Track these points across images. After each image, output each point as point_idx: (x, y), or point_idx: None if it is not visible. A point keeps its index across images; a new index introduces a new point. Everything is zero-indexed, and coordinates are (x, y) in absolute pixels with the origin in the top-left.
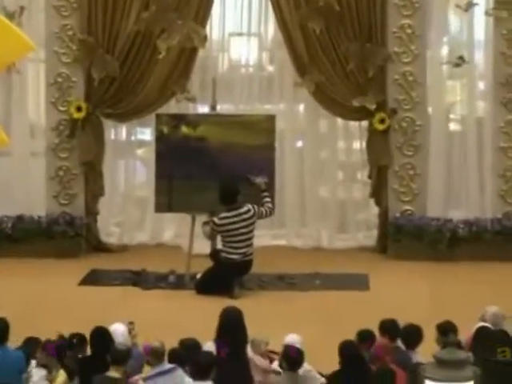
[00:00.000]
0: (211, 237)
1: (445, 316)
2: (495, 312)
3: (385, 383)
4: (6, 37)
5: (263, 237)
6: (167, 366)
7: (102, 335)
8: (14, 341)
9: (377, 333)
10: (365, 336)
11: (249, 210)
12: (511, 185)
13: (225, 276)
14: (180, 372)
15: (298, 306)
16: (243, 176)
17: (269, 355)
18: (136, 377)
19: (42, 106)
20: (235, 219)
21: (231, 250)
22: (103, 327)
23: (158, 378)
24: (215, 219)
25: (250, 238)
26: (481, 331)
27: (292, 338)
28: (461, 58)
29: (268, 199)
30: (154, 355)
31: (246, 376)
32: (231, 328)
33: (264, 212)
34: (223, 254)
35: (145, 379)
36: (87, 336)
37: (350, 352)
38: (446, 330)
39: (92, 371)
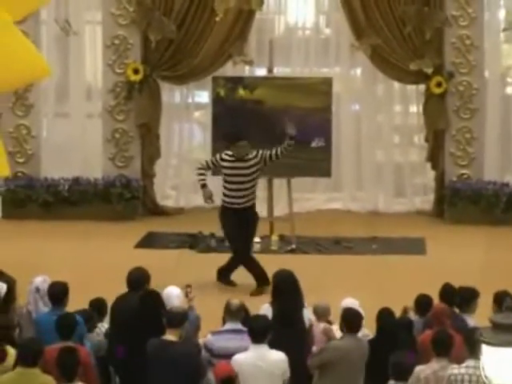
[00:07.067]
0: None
1: (499, 280)
2: None
3: (444, 347)
4: (23, 56)
5: (318, 200)
6: (240, 326)
7: (151, 298)
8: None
9: (435, 297)
10: (422, 301)
11: (254, 157)
12: None
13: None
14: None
15: (355, 270)
16: (299, 139)
17: (329, 320)
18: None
19: (99, 68)
20: (236, 164)
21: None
22: (153, 290)
23: (226, 334)
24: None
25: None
26: None
27: (350, 302)
28: None
29: (287, 145)
30: (228, 312)
31: (302, 342)
32: (285, 291)
33: (273, 153)
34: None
35: (213, 333)
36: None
37: (385, 321)
38: (502, 300)
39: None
